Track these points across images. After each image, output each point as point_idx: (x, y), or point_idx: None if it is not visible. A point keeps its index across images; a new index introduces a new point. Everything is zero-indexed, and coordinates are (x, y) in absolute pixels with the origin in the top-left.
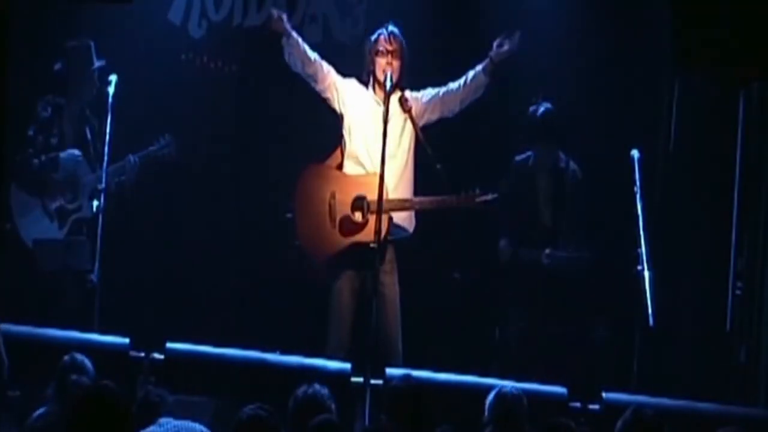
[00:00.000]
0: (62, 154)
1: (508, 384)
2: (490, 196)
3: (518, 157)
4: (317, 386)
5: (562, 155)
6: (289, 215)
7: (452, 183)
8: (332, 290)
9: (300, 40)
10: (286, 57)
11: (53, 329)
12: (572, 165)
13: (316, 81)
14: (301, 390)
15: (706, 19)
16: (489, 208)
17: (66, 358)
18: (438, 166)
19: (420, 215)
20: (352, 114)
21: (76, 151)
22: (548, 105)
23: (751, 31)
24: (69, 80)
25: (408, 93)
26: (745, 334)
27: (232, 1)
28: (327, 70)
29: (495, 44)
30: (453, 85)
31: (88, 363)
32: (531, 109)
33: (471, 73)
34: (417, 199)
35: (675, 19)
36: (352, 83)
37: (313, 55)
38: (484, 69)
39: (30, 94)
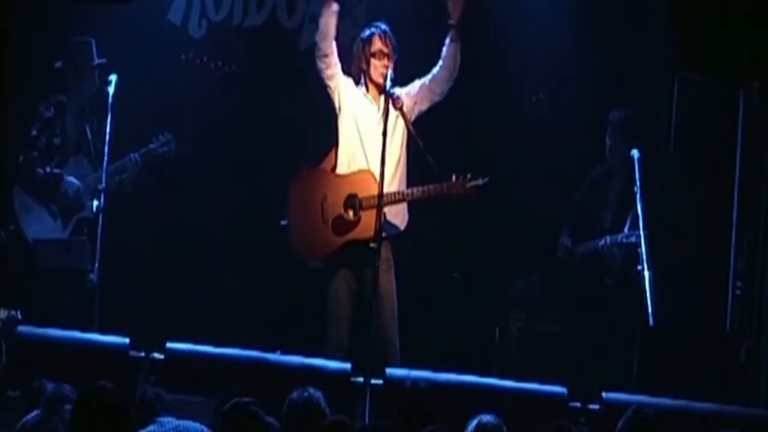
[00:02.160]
0: (66, 177)
1: (487, 415)
2: (480, 181)
3: (597, 167)
4: (311, 390)
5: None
6: (283, 222)
7: (444, 174)
8: (329, 290)
9: (335, 20)
10: (320, 20)
11: (53, 329)
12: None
13: (325, 64)
14: (295, 394)
15: (706, 19)
16: (480, 193)
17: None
18: (429, 158)
19: (413, 212)
20: (346, 112)
21: (78, 182)
22: (630, 110)
23: (751, 32)
24: (70, 77)
25: (397, 89)
26: (745, 334)
27: (232, 1)
28: (336, 61)
29: (451, 6)
30: (434, 70)
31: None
32: (612, 115)
33: (443, 50)
34: (409, 190)
35: (675, 19)
36: (350, 82)
37: (333, 41)
38: (450, 38)
39: (31, 94)
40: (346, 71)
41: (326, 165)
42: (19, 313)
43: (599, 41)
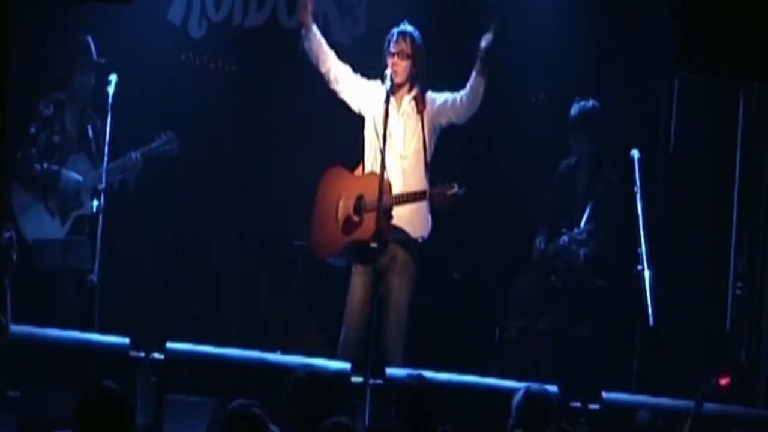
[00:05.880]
0: (64, 172)
1: (533, 384)
2: (458, 189)
3: (564, 161)
4: (316, 366)
5: (603, 156)
6: (298, 243)
7: (438, 180)
8: (348, 294)
9: (319, 35)
10: (304, 47)
11: (53, 329)
12: (610, 169)
13: (329, 80)
14: (301, 370)
15: (706, 19)
16: (458, 203)
17: None
18: (426, 163)
19: (435, 220)
20: (370, 116)
21: (78, 176)
22: (593, 102)
23: (751, 31)
24: (68, 75)
25: (429, 94)
26: (745, 334)
27: (232, 1)
28: (343, 72)
29: (480, 43)
30: (459, 95)
31: None
32: (572, 107)
33: (469, 81)
34: (396, 194)
35: (675, 19)
36: (373, 85)
37: (331, 55)
38: (477, 71)
39: (31, 92)
40: (363, 73)
41: (360, 167)
42: (13, 233)
43: (599, 41)
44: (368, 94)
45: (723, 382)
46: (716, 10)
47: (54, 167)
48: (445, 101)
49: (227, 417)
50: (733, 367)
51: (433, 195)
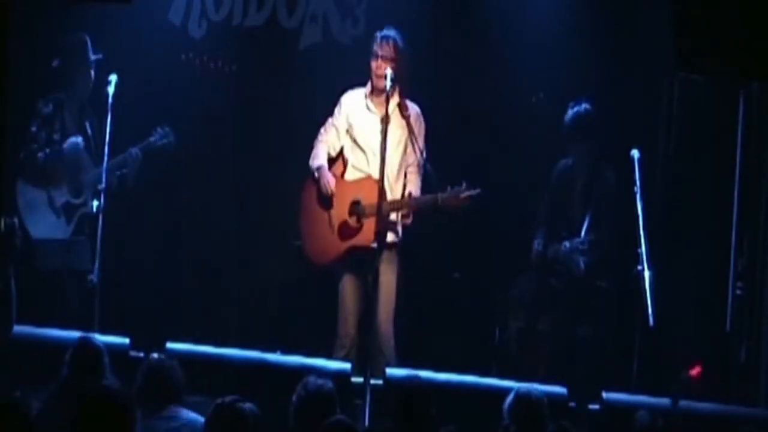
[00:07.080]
0: (65, 145)
1: (523, 385)
2: (473, 192)
3: (561, 161)
4: (326, 381)
5: (602, 158)
6: (297, 243)
7: (441, 184)
8: (338, 293)
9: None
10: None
11: (53, 329)
12: (608, 170)
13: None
14: (311, 381)
15: (706, 19)
16: (473, 205)
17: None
18: (427, 167)
19: (435, 220)
20: (351, 123)
21: (78, 138)
22: (585, 106)
23: (751, 32)
24: (66, 75)
25: (415, 107)
26: (745, 334)
27: (232, 1)
28: (326, 130)
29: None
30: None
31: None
32: (570, 110)
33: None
34: (406, 199)
35: (675, 19)
36: (347, 101)
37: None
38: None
39: (30, 91)
40: (347, 75)
41: (335, 170)
42: (16, 219)
43: (599, 41)
44: (350, 115)
45: (694, 372)
46: (716, 10)
47: (56, 148)
48: (414, 154)
49: (210, 417)
50: (733, 367)
51: (446, 200)
